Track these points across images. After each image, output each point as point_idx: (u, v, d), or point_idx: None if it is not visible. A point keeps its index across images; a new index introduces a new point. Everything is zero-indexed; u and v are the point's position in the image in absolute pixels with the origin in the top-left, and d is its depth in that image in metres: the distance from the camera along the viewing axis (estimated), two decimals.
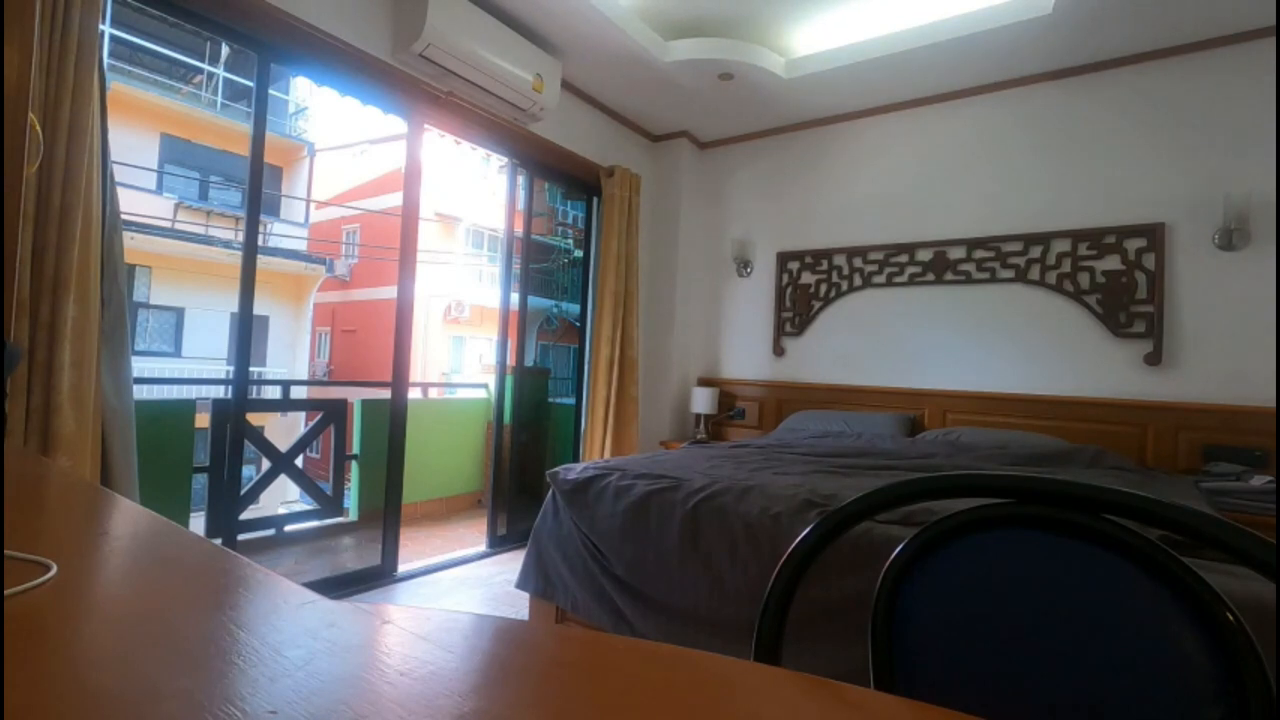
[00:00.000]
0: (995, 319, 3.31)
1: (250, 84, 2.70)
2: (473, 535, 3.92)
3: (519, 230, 3.70)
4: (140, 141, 9.72)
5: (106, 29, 1.91)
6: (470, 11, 2.76)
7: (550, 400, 4.56)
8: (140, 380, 2.09)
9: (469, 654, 0.41)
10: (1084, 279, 3.09)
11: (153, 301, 9.94)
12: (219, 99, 11.12)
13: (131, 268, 8.12)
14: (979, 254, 3.36)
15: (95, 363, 1.82)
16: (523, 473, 3.69)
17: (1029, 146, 3.27)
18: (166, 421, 2.74)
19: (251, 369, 3.81)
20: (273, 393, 9.38)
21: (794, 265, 3.99)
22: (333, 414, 3.33)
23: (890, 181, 3.68)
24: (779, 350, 4.02)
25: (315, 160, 12.37)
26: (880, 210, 3.70)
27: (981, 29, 2.88)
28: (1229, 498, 2.33)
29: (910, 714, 0.39)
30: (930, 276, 3.50)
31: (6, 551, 0.48)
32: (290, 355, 11.34)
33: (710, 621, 1.79)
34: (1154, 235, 2.93)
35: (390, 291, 3.49)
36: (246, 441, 2.52)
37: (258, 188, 2.41)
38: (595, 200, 3.95)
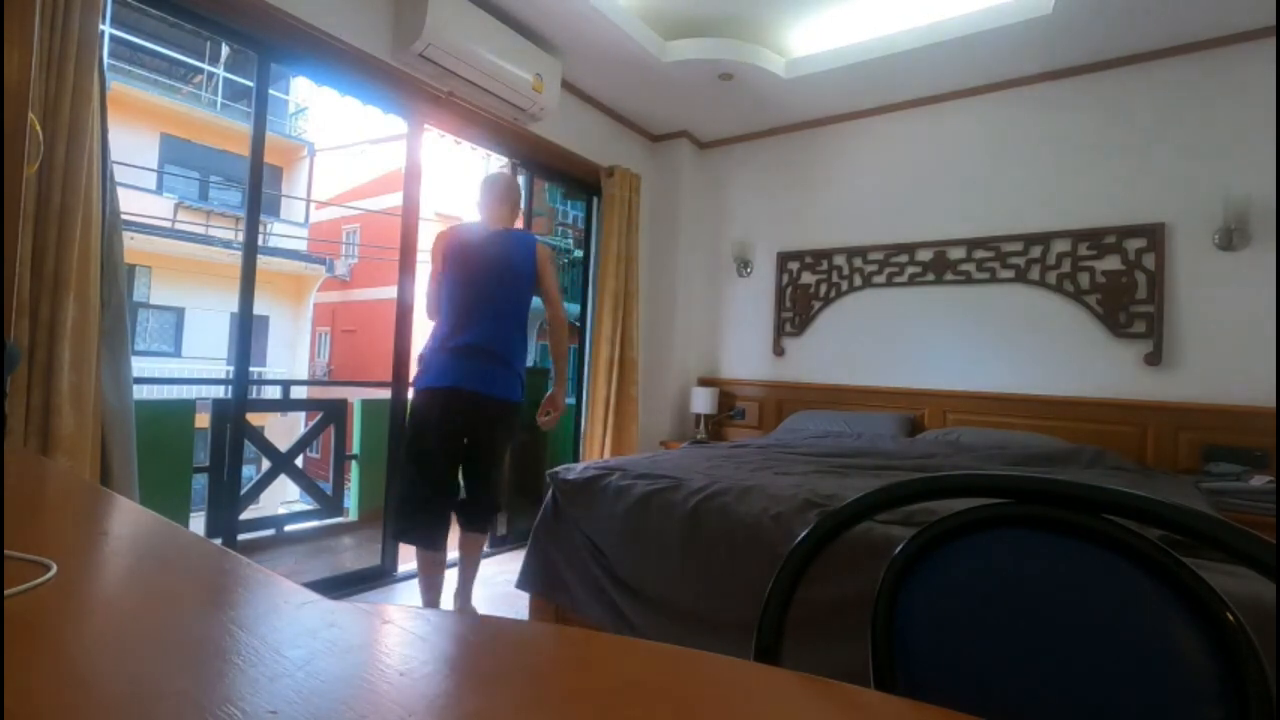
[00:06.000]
0: (995, 319, 3.31)
1: (250, 84, 2.70)
2: None
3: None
4: (140, 141, 9.73)
5: (106, 29, 1.91)
6: (470, 11, 2.76)
7: None
8: (140, 380, 2.09)
9: (469, 654, 0.41)
10: (1084, 279, 3.09)
11: (153, 301, 9.95)
12: (219, 99, 11.13)
13: (131, 268, 8.13)
14: (979, 254, 3.36)
15: (95, 363, 1.82)
16: (523, 473, 3.69)
17: (1029, 146, 3.27)
18: (166, 421, 2.74)
19: (251, 369, 3.80)
20: (273, 393, 9.38)
21: (794, 265, 3.99)
22: (333, 414, 3.33)
23: (890, 181, 3.68)
24: (779, 350, 4.02)
25: (315, 160, 12.37)
26: (880, 210, 3.70)
27: (981, 29, 2.88)
28: (1229, 498, 2.33)
29: (910, 714, 0.39)
30: (930, 276, 3.50)
31: (6, 551, 0.48)
32: (290, 355, 11.35)
33: (710, 621, 1.79)
34: (1154, 235, 2.93)
35: (390, 291, 3.49)
36: (246, 441, 2.52)
37: (258, 188, 2.41)
38: (595, 200, 3.95)
